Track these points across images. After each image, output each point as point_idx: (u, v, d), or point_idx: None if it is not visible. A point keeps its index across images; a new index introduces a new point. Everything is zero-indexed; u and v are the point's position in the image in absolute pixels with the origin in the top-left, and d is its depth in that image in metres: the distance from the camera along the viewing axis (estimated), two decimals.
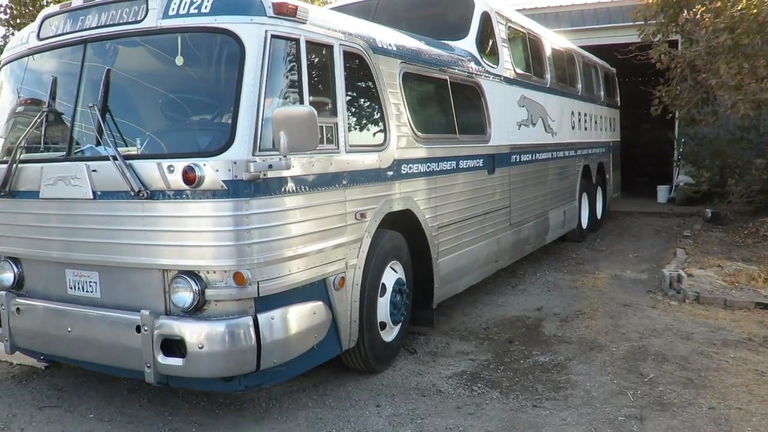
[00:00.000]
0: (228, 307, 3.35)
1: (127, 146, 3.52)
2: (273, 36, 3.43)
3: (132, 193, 3.36)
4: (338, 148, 3.89)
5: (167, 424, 3.77)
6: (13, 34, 13.32)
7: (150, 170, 3.33)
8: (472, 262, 5.70)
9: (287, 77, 3.57)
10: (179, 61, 3.44)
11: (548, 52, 7.96)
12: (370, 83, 4.31)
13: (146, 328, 3.34)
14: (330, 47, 3.89)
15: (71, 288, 3.76)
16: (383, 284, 4.40)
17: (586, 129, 9.50)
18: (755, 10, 8.53)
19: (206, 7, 3.38)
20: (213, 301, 3.34)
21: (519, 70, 6.88)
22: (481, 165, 5.81)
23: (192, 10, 3.39)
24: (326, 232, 3.78)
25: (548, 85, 7.79)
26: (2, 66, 4.28)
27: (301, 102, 3.56)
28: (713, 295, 6.13)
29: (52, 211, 3.74)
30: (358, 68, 4.22)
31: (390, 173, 4.41)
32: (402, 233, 4.63)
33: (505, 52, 6.55)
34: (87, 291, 3.70)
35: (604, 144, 10.71)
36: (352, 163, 4.01)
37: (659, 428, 3.58)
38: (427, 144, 4.90)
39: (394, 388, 4.22)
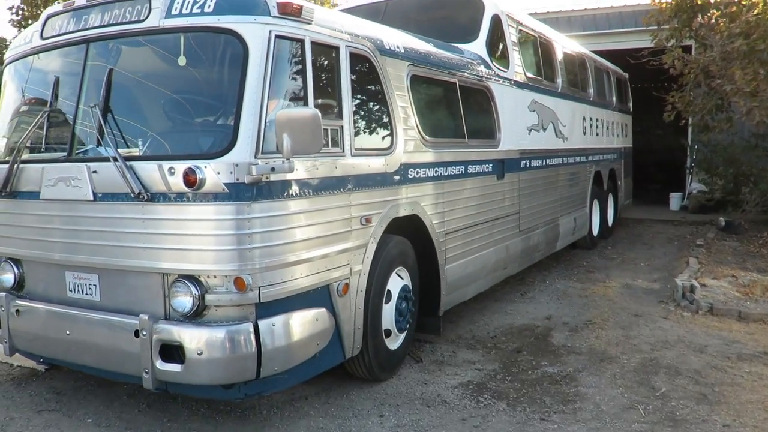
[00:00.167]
0: (228, 312, 3.27)
1: (128, 147, 3.46)
2: (277, 36, 3.36)
3: (132, 195, 3.30)
4: (344, 151, 3.81)
5: (166, 431, 3.70)
6: None
7: (151, 172, 3.27)
8: (480, 269, 5.60)
9: (291, 78, 3.50)
10: (182, 61, 3.38)
11: (560, 56, 7.86)
12: (377, 86, 4.23)
13: (145, 333, 3.27)
14: (336, 48, 3.81)
15: (71, 290, 3.70)
16: (388, 291, 4.31)
17: (597, 135, 9.38)
18: None
19: (209, 6, 3.31)
20: (213, 307, 3.27)
21: (530, 74, 6.79)
22: (490, 170, 5.72)
23: (195, 10, 3.33)
24: (330, 237, 3.69)
25: (559, 90, 7.69)
26: (6, 65, 4.24)
27: (306, 104, 3.49)
28: (727, 307, 5.99)
29: (52, 213, 3.69)
30: (365, 70, 4.14)
31: (397, 177, 4.33)
32: (408, 239, 4.54)
33: (515, 56, 6.46)
34: (86, 294, 3.64)
35: (616, 150, 10.58)
36: (358, 167, 3.93)
37: None
38: (435, 148, 4.81)
39: (398, 398, 4.12)
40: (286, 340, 3.40)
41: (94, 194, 3.47)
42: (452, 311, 5.45)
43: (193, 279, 3.25)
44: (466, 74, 5.42)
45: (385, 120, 4.30)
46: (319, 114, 3.25)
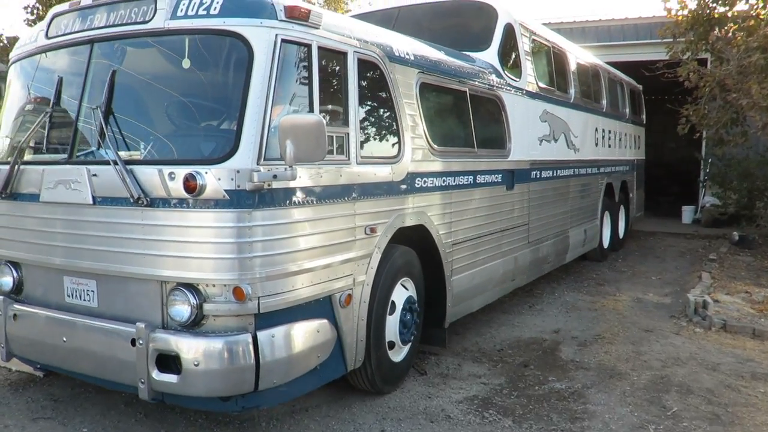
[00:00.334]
0: (227, 322, 3.19)
1: (129, 150, 3.39)
2: (283, 40, 3.28)
3: (131, 200, 3.22)
4: (349, 159, 3.72)
5: None
6: None
7: (150, 176, 3.20)
8: (488, 281, 5.49)
9: (297, 84, 3.42)
10: (186, 63, 3.31)
11: (573, 66, 7.76)
12: (384, 93, 4.15)
13: (141, 342, 3.19)
14: (344, 54, 3.73)
15: (69, 296, 3.63)
16: (393, 302, 4.22)
17: (609, 146, 9.26)
18: None
19: (215, 8, 3.25)
20: (211, 316, 3.18)
21: (542, 84, 6.69)
22: (499, 180, 5.62)
23: (201, 12, 3.26)
24: (333, 247, 3.60)
25: (572, 101, 7.58)
26: (11, 64, 4.19)
27: (311, 110, 3.41)
28: (741, 323, 5.84)
29: (51, 216, 3.63)
30: (373, 77, 4.06)
31: (403, 186, 4.24)
32: (414, 249, 4.45)
33: (528, 66, 6.36)
34: (84, 300, 3.57)
35: (628, 162, 10.45)
36: (363, 176, 3.84)
37: None
38: (443, 157, 4.72)
39: (401, 412, 4.02)
40: (286, 351, 3.31)
41: (94, 198, 3.40)
42: (458, 323, 5.34)
43: (191, 287, 3.17)
44: (477, 83, 5.33)
45: (393, 128, 4.21)
46: (324, 121, 3.17)
